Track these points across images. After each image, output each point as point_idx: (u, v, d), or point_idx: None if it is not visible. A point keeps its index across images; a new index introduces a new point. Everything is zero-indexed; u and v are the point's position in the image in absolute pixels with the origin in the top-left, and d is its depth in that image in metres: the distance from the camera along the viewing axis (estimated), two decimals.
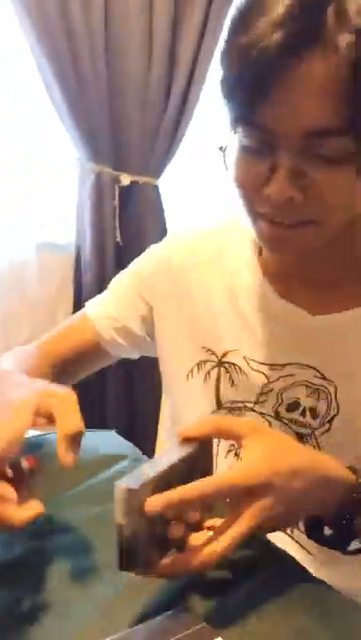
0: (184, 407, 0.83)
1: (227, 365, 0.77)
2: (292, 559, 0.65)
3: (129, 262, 1.93)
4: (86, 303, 0.92)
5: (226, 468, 0.76)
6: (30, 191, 1.88)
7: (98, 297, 0.91)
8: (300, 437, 0.74)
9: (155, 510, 0.51)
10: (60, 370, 0.87)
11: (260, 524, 0.55)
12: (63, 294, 2.04)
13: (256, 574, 0.59)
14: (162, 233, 1.93)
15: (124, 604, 0.54)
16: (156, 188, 1.87)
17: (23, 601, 0.56)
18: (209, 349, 0.79)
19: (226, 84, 0.59)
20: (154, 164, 1.84)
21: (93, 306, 0.90)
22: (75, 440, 0.56)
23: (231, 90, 0.59)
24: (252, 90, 0.56)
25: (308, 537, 0.65)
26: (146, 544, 0.51)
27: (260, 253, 0.77)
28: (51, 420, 0.57)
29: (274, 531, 0.62)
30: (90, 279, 1.93)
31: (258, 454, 0.56)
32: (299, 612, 0.54)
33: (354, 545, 0.61)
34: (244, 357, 0.76)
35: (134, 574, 0.52)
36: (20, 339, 2.00)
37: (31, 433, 0.90)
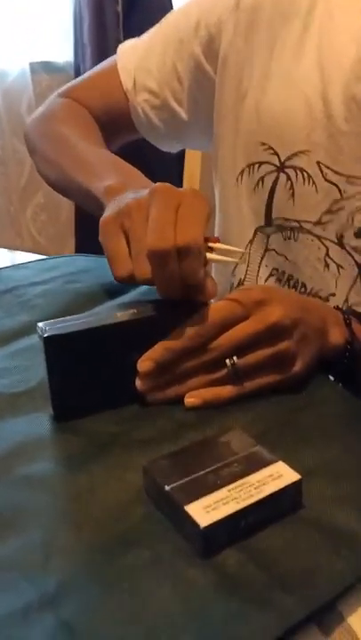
0: (229, 221, 0.69)
1: (290, 171, 0.61)
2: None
3: None
4: (120, 52, 0.72)
5: None
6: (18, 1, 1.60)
7: (134, 49, 0.72)
8: None
9: (148, 370, 0.46)
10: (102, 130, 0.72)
11: (269, 335, 0.46)
12: None
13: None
14: None
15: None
16: None
17: None
18: (270, 147, 0.62)
19: None
20: None
21: (128, 68, 0.70)
22: None
23: None
24: None
25: None
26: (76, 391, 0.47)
27: None
28: None
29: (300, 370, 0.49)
30: None
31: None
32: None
33: None
34: (317, 162, 0.60)
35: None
36: (21, 179, 1.83)
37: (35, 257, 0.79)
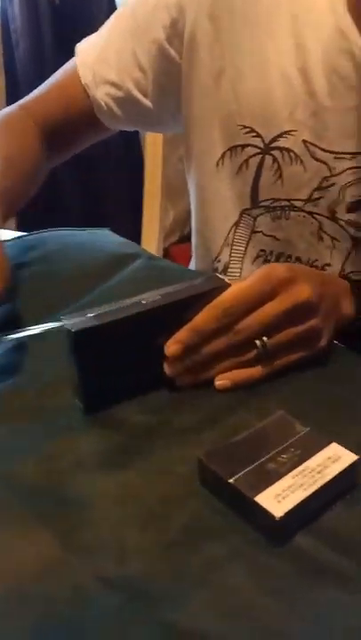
0: (210, 206, 0.67)
1: (276, 153, 0.60)
2: None
3: (70, 26, 1.57)
4: (78, 49, 0.69)
5: None
6: None
7: (93, 42, 0.68)
8: (356, 242, 0.62)
9: (176, 353, 0.46)
10: (54, 139, 0.69)
11: (298, 313, 0.47)
12: None
13: None
14: None
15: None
16: None
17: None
18: (252, 130, 0.61)
19: None
20: None
21: (88, 62, 0.67)
22: None
23: None
24: None
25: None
26: (103, 382, 0.47)
27: None
28: None
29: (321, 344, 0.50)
30: (23, 53, 1.60)
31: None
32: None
33: None
34: (303, 141, 0.59)
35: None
36: None
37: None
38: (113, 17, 0.68)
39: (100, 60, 0.67)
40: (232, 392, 0.48)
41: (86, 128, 0.71)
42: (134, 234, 1.09)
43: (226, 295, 0.46)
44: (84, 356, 0.45)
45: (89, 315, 0.45)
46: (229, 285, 0.47)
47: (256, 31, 0.59)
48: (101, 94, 0.67)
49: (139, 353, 0.46)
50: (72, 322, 0.44)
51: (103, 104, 0.68)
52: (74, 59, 0.69)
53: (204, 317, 0.46)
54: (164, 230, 1.12)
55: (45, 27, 1.54)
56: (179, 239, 2.03)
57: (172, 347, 0.46)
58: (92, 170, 1.51)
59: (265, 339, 0.47)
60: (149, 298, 0.47)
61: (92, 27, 1.69)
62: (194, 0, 0.60)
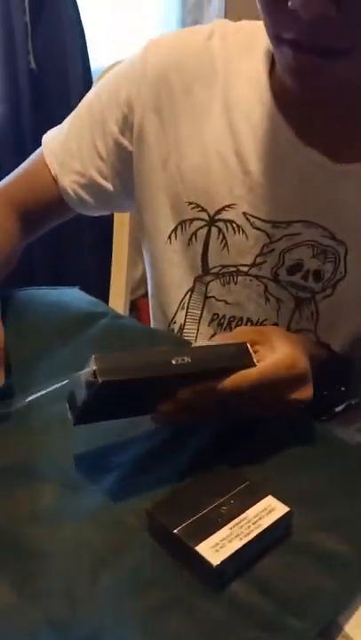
0: (164, 274, 0.73)
1: (220, 224, 0.67)
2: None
3: (47, 91, 1.66)
4: (44, 141, 0.76)
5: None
6: None
7: (57, 134, 0.76)
8: (299, 302, 0.67)
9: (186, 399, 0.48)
10: (27, 221, 0.75)
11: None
12: None
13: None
14: (83, 51, 1.67)
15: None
16: None
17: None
18: (197, 205, 0.67)
19: None
20: None
21: (54, 153, 0.75)
22: None
23: None
24: None
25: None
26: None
27: (270, 73, 0.63)
28: None
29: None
30: (3, 116, 1.67)
31: (288, 346, 0.52)
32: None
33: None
34: (243, 213, 0.65)
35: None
36: None
37: None
38: (75, 110, 0.75)
39: (65, 151, 0.74)
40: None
41: (56, 211, 0.77)
42: (103, 285, 1.13)
43: (253, 377, 0.49)
44: (98, 395, 0.45)
45: (117, 362, 0.46)
46: (255, 365, 0.50)
47: (195, 119, 0.66)
48: (68, 182, 0.74)
49: (146, 397, 0.49)
50: (101, 366, 0.45)
51: (71, 191, 0.74)
52: (40, 149, 0.76)
53: (226, 387, 0.48)
54: (133, 282, 1.17)
55: (24, 93, 1.62)
56: (147, 291, 2.10)
57: (184, 393, 0.48)
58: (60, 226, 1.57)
59: None
60: (179, 358, 0.48)
61: (67, 92, 1.76)
62: (141, 98, 0.68)
